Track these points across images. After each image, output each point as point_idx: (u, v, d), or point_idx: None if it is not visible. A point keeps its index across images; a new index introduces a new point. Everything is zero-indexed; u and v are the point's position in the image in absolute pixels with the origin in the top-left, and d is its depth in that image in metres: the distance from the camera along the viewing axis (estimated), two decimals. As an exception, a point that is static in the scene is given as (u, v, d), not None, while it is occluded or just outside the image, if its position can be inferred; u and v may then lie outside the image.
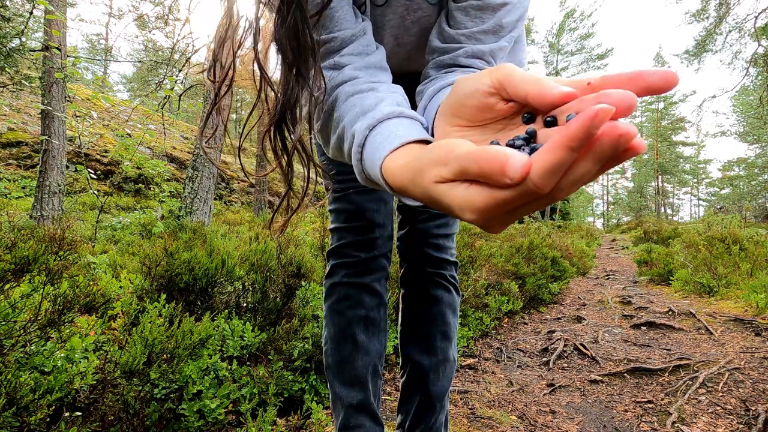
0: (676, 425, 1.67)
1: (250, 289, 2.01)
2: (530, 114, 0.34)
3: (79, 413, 1.12)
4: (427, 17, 0.67)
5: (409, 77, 0.68)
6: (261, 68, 0.54)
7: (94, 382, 1.14)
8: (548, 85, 0.31)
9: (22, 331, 1.08)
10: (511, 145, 0.32)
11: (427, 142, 0.43)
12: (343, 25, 0.58)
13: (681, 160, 39.51)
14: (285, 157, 0.56)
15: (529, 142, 0.32)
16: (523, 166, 0.25)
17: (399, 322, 1.07)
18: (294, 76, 0.53)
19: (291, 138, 0.55)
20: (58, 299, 1.16)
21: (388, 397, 1.87)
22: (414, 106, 0.66)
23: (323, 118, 0.57)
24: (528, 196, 0.27)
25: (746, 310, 3.56)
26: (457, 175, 0.31)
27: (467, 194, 0.30)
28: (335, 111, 0.55)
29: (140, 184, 10.93)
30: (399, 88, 0.57)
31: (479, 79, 0.38)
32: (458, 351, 2.51)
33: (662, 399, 1.92)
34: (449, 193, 0.32)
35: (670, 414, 1.75)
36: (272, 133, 0.55)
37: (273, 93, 0.55)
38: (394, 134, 0.44)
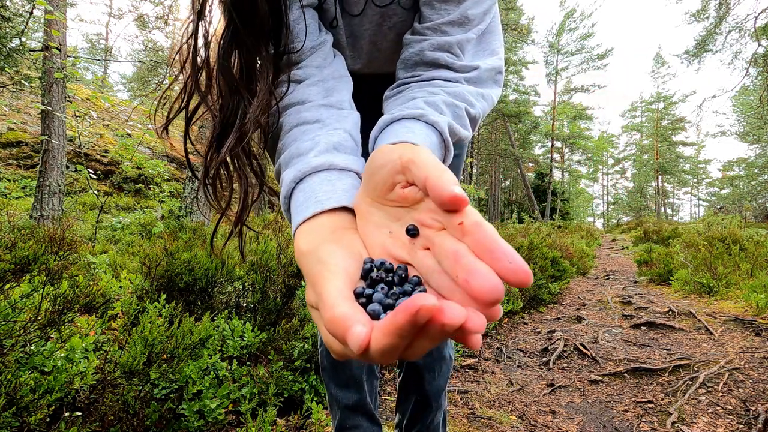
0: (676, 425, 1.67)
1: (250, 289, 2.01)
2: (415, 228, 0.34)
3: (79, 413, 1.12)
4: (402, 22, 0.67)
5: (390, 77, 0.69)
6: (200, 92, 0.54)
7: (94, 382, 1.14)
8: (449, 180, 0.30)
9: (22, 331, 1.08)
10: (369, 293, 0.31)
11: (346, 208, 0.43)
12: (302, 38, 0.58)
13: (681, 160, 39.51)
14: (225, 171, 0.55)
15: (390, 288, 0.32)
16: (362, 343, 0.25)
17: None
18: (235, 98, 0.53)
19: (240, 154, 0.54)
20: (58, 299, 1.16)
21: (388, 398, 1.87)
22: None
23: (271, 140, 0.56)
24: (374, 360, 0.27)
25: (746, 310, 3.56)
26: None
27: (328, 335, 0.30)
28: (279, 140, 0.54)
29: (140, 184, 10.93)
30: (350, 118, 0.55)
31: (392, 151, 0.38)
32: (458, 351, 2.51)
33: (662, 399, 1.92)
34: (318, 323, 0.33)
35: (670, 414, 1.75)
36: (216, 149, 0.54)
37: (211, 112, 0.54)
38: (313, 197, 0.43)
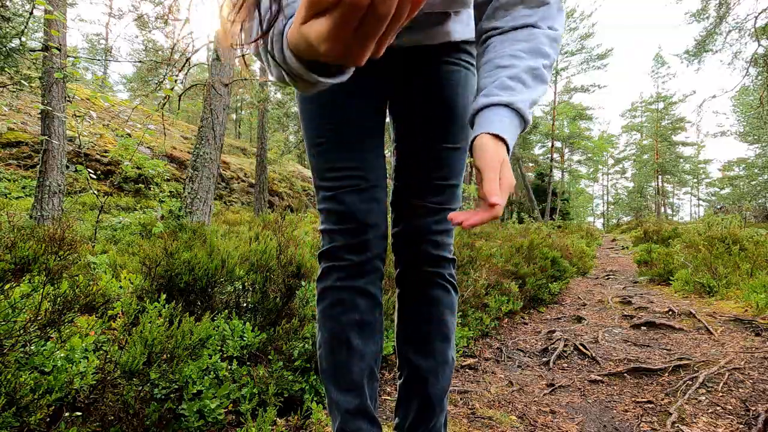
0: (676, 425, 1.67)
1: (250, 289, 2.01)
2: None
3: (79, 413, 1.12)
4: None
5: (425, 50, 0.80)
6: None
7: (94, 382, 1.14)
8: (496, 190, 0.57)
9: (22, 331, 1.08)
10: None
11: None
12: None
13: (681, 160, 39.45)
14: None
15: None
16: None
17: (396, 322, 1.06)
18: None
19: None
20: (58, 299, 1.16)
21: (388, 398, 1.87)
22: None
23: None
24: (354, 9, 0.30)
25: (746, 310, 3.56)
26: (307, 9, 0.35)
27: (317, 26, 0.35)
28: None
29: (140, 184, 10.93)
30: None
31: (496, 152, 0.62)
32: (458, 351, 2.51)
33: (662, 399, 1.92)
34: (309, 31, 0.37)
35: (670, 414, 1.75)
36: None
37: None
38: None
